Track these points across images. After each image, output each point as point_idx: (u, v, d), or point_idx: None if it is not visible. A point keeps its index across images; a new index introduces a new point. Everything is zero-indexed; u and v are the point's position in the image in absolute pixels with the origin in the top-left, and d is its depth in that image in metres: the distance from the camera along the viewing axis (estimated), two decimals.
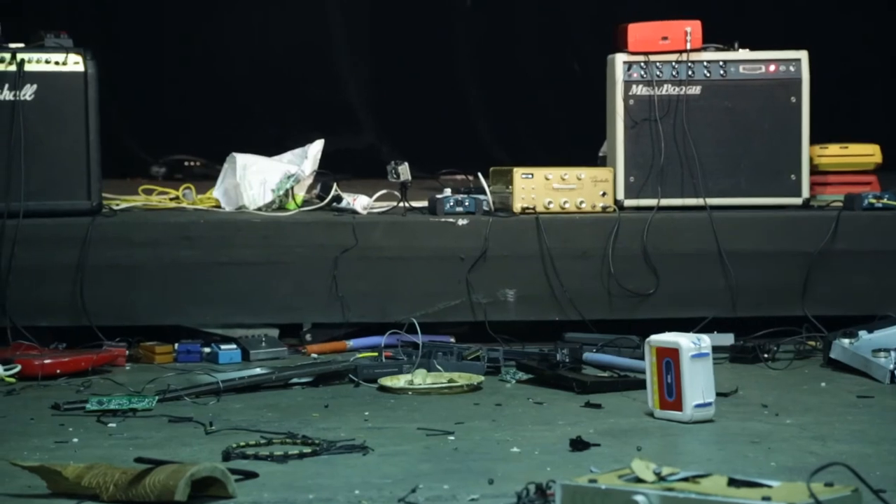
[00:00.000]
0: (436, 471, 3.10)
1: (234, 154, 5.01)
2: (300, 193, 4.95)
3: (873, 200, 4.84)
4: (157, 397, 3.75)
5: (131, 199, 5.01)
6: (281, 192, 4.89)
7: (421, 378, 4.06)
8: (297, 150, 5.06)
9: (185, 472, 2.86)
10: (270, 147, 5.15)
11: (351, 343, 4.58)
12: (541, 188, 4.78)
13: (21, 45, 4.62)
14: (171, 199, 5.04)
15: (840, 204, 4.91)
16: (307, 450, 3.25)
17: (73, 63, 4.62)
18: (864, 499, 2.48)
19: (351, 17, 7.18)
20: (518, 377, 4.15)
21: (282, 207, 4.90)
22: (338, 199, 4.87)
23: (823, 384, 4.08)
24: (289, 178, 4.90)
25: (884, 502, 2.61)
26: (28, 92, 4.58)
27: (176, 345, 4.46)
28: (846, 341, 4.24)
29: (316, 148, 5.00)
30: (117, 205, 4.90)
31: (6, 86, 4.56)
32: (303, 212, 4.86)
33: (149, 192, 5.07)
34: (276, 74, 7.00)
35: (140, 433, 3.47)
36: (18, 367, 4.10)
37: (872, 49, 6.93)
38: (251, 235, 4.66)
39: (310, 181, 5.00)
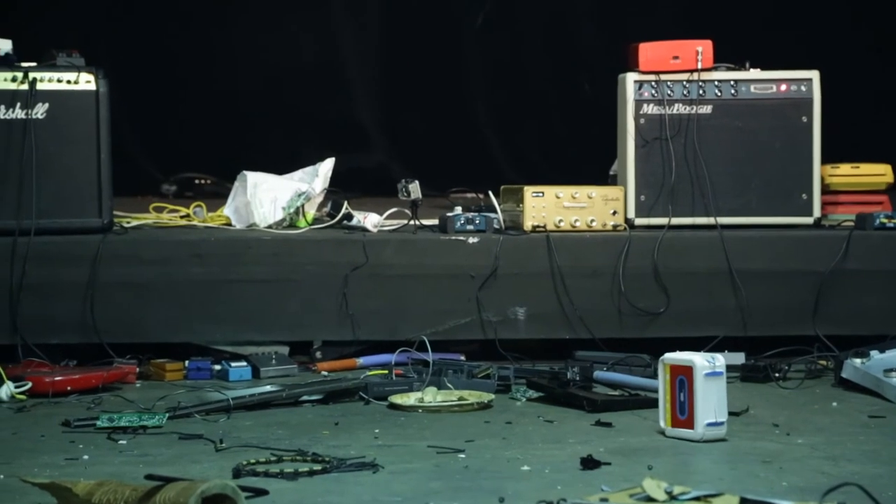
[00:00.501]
0: (446, 489, 3.09)
1: (245, 172, 5.02)
2: (311, 211, 4.95)
3: (885, 220, 4.83)
4: (167, 414, 3.75)
5: (142, 216, 5.02)
6: (291, 210, 4.90)
7: (431, 396, 4.05)
8: (308, 169, 5.06)
9: (196, 489, 2.85)
10: (281, 165, 5.16)
11: (361, 361, 4.58)
12: (551, 206, 4.78)
13: (33, 63, 4.63)
14: (182, 217, 5.04)
15: (851, 223, 4.90)
16: (317, 467, 3.25)
17: (85, 82, 4.63)
18: None
19: (362, 37, 7.19)
20: (528, 395, 4.14)
21: (292, 225, 4.90)
22: (348, 217, 4.88)
23: (835, 404, 4.06)
24: (299, 195, 4.91)
25: None
26: (40, 111, 4.59)
27: (186, 362, 4.46)
28: (858, 361, 4.22)
29: (327, 166, 5.01)
30: (128, 222, 4.90)
31: (18, 104, 4.57)
32: (313, 230, 4.86)
33: (159, 210, 5.08)
34: (287, 93, 7.02)
35: (150, 450, 3.47)
36: (29, 385, 4.11)
37: (885, 69, 6.93)
38: (262, 253, 4.66)
39: (320, 199, 5.01)
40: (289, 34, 7.11)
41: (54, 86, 4.61)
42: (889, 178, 5.09)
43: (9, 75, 4.58)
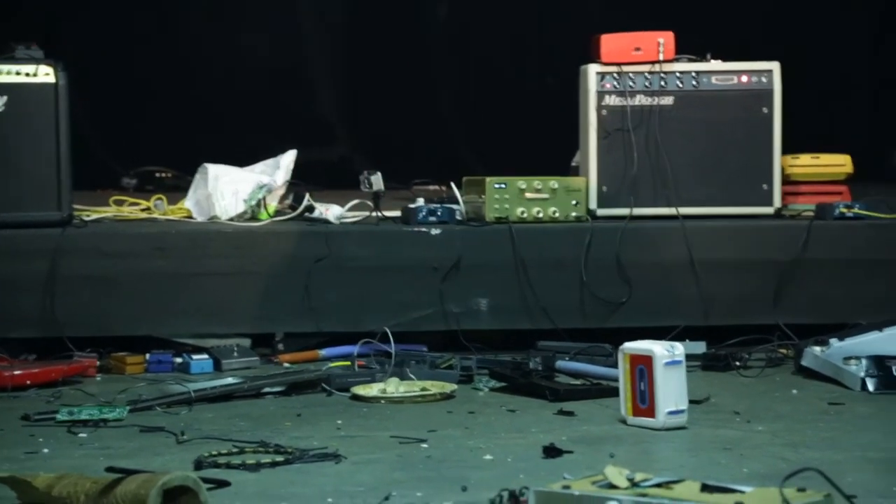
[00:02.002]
0: (409, 479, 3.09)
1: (206, 165, 5.00)
2: (272, 203, 4.94)
3: (844, 210, 4.86)
4: (128, 407, 3.73)
5: (102, 210, 4.99)
6: (253, 203, 4.88)
7: (394, 387, 4.05)
8: (270, 161, 5.05)
9: (157, 481, 2.84)
10: (243, 158, 5.14)
11: (323, 352, 4.57)
12: (514, 198, 4.79)
13: None
14: (143, 210, 5.02)
15: (812, 213, 4.92)
16: (280, 458, 3.24)
17: (44, 74, 4.60)
18: None
19: (325, 28, 7.17)
20: (491, 385, 4.14)
21: (254, 218, 4.88)
22: (310, 209, 4.87)
23: (795, 391, 4.09)
24: (261, 188, 4.89)
25: None
26: None
27: (147, 355, 4.44)
28: (817, 349, 4.25)
29: (288, 158, 4.99)
30: (88, 216, 4.87)
31: None
32: (275, 222, 4.85)
33: (120, 203, 5.05)
34: (250, 85, 6.99)
35: (111, 443, 3.45)
36: None
37: (845, 60, 6.97)
38: (223, 246, 4.65)
39: (282, 191, 4.99)
40: (252, 26, 7.08)
41: (13, 79, 4.58)
42: (848, 169, 5.13)
43: None
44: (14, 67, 4.58)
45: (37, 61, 4.60)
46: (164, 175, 6.40)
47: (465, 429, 3.60)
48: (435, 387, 4.06)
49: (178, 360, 4.44)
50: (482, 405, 3.91)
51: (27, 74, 4.58)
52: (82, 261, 4.54)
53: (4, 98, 4.56)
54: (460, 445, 3.41)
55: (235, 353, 4.45)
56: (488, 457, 3.28)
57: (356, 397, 4.00)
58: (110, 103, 6.70)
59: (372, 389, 4.04)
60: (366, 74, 7.06)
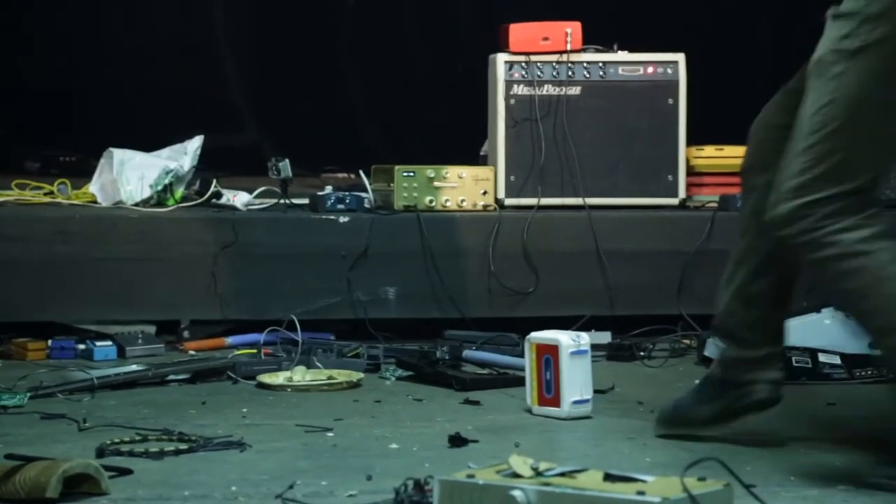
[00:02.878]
0: (314, 467, 3.09)
1: (112, 149, 4.94)
2: (179, 189, 4.89)
3: None
4: (28, 394, 3.68)
5: (4, 193, 4.90)
6: (159, 188, 4.83)
7: (300, 375, 4.04)
8: (177, 146, 5.00)
9: (57, 468, 2.81)
10: (149, 143, 5.08)
11: (229, 340, 4.54)
12: (422, 186, 4.79)
13: None
14: (46, 195, 4.94)
15: (715, 205, 4.99)
16: (183, 446, 3.22)
17: None
18: (736, 493, 2.52)
19: (233, 14, 7.10)
20: (398, 374, 4.14)
21: (160, 203, 4.83)
22: (217, 195, 4.83)
23: (697, 381, 4.14)
24: (167, 173, 4.84)
25: (754, 497, 2.66)
26: None
27: (49, 341, 4.38)
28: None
29: (195, 144, 4.95)
30: None
31: None
32: (181, 208, 4.80)
33: (22, 187, 4.97)
34: (157, 70, 6.90)
35: (10, 430, 3.40)
36: None
37: (750, 52, 7.06)
38: (129, 231, 4.60)
39: (189, 177, 4.94)
40: (160, 10, 7.00)
41: None
42: None
43: None
44: None
45: None
46: (67, 159, 6.30)
47: (371, 417, 3.61)
48: (342, 375, 4.05)
49: (82, 346, 4.38)
50: (389, 394, 3.92)
51: None
52: None
53: None
54: (366, 434, 3.41)
55: (140, 340, 4.41)
56: (394, 446, 3.29)
57: (262, 385, 3.98)
58: (13, 85, 6.58)
59: (278, 378, 4.02)
60: (276, 61, 7.01)
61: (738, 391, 3.31)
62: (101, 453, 3.13)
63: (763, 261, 3.25)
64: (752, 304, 3.26)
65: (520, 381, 3.78)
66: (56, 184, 4.98)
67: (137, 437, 3.29)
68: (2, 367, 4.26)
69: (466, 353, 4.31)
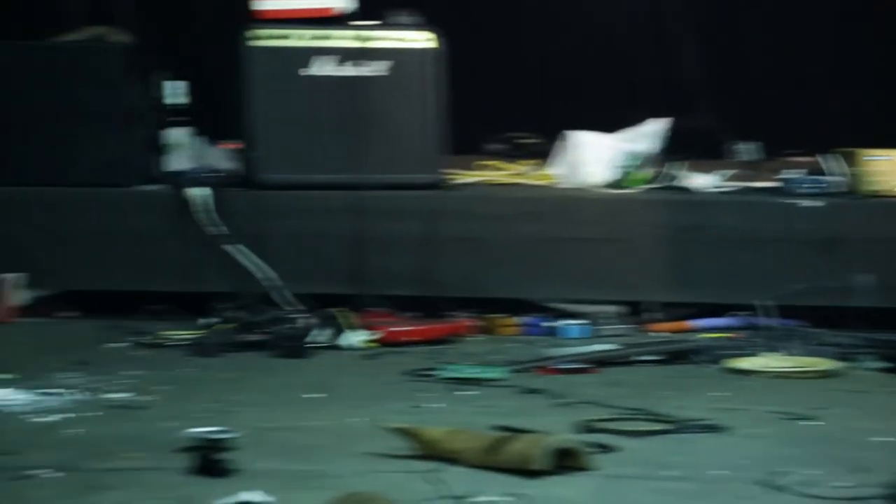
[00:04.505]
0: (799, 455, 3.00)
1: (572, 132, 5.00)
2: (641, 172, 4.89)
3: None
4: (509, 368, 3.77)
5: (471, 174, 5.06)
6: (625, 171, 4.84)
7: (772, 361, 3.94)
8: (638, 129, 5.00)
9: (545, 441, 2.87)
10: (603, 126, 5.10)
11: (694, 323, 4.49)
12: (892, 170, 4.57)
13: (375, 22, 4.72)
14: (511, 175, 5.06)
15: None
16: (659, 427, 3.21)
17: (425, 41, 4.70)
18: None
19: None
20: (876, 366, 3.97)
21: (621, 185, 4.85)
22: (680, 178, 4.80)
23: None
24: (631, 156, 4.86)
25: None
26: (379, 68, 4.68)
27: (521, 318, 4.47)
28: None
29: (657, 127, 4.94)
30: (458, 180, 4.95)
31: (359, 62, 4.67)
32: (645, 190, 4.80)
33: (484, 169, 5.10)
34: (607, 52, 6.92)
35: (493, 402, 3.51)
36: (380, 334, 4.18)
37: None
38: (592, 212, 4.65)
39: (650, 160, 4.94)
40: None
41: (395, 44, 4.70)
42: None
43: (352, 34, 4.68)
44: (396, 33, 4.69)
45: (417, 27, 4.70)
46: (527, 141, 6.44)
47: (855, 408, 3.47)
48: (811, 363, 3.93)
49: (552, 324, 4.44)
50: (871, 384, 3.76)
51: (408, 40, 4.70)
52: (456, 223, 4.62)
53: (386, 63, 4.68)
54: (850, 426, 3.28)
55: (608, 320, 4.43)
56: (884, 438, 3.14)
57: (730, 370, 3.92)
58: (480, 71, 6.78)
59: (749, 362, 3.95)
60: (733, 42, 6.88)
61: None
62: (585, 429, 3.17)
63: None
64: None
65: None
66: (524, 165, 5.08)
67: (614, 416, 3.30)
68: (477, 341, 4.37)
69: None
